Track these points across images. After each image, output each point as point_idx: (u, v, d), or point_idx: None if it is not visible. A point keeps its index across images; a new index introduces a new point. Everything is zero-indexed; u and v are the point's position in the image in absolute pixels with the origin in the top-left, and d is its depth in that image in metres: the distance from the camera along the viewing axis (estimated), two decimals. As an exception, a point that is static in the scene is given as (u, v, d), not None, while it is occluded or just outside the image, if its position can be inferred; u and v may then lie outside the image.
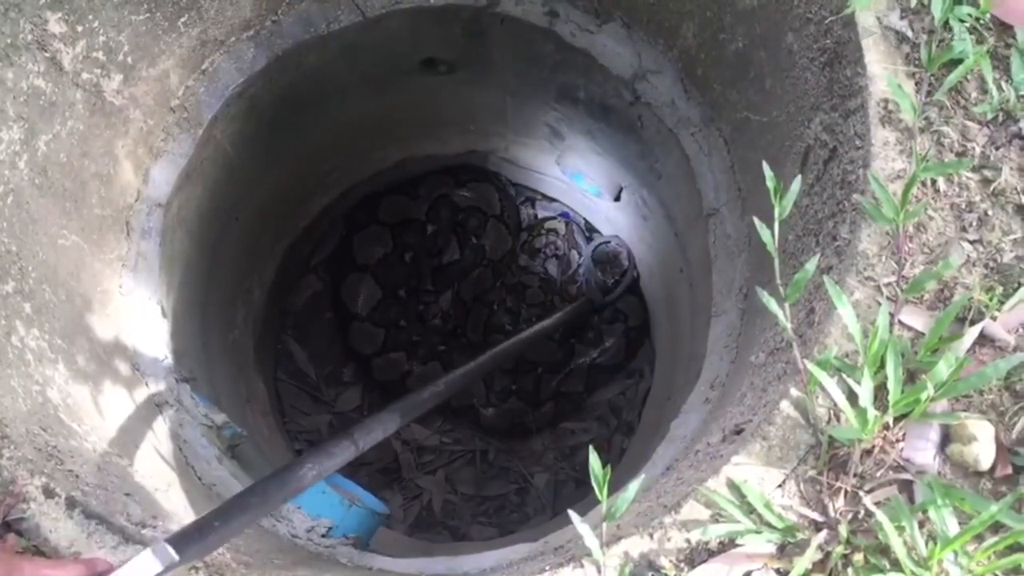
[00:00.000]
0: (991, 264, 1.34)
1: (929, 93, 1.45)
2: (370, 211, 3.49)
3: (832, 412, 1.25)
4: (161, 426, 1.84)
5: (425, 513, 3.31)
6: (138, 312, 1.96)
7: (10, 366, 1.41)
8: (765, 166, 1.32)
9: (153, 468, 1.66)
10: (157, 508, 1.50)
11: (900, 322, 1.29)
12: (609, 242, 3.50)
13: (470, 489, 3.38)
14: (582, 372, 3.48)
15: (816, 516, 1.19)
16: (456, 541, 3.19)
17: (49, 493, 1.24)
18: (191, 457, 1.85)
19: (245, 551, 1.48)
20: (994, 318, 1.29)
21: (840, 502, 1.19)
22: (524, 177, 3.60)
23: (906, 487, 1.20)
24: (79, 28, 1.73)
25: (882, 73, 1.46)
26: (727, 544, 1.18)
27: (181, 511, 1.57)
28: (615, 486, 1.16)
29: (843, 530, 1.15)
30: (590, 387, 3.51)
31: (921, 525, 1.13)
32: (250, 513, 1.35)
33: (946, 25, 1.46)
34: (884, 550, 1.13)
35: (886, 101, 1.44)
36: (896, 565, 1.10)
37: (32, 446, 1.32)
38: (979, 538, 1.09)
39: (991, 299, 1.29)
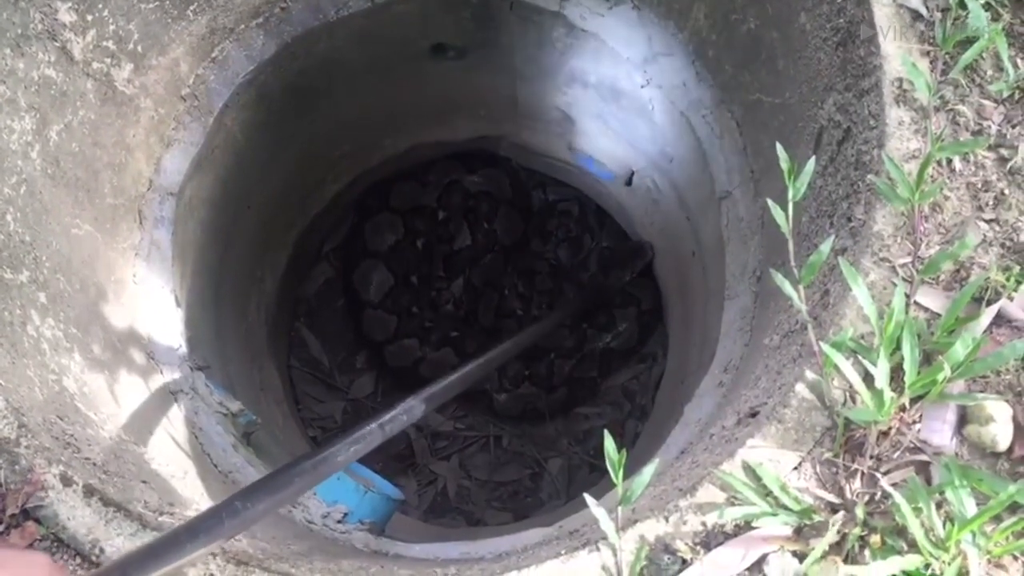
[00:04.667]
0: (1008, 244, 1.32)
1: (944, 72, 1.43)
2: (381, 198, 3.48)
3: (848, 394, 1.24)
4: (176, 414, 1.85)
5: (440, 499, 3.32)
6: (152, 301, 1.97)
7: (26, 355, 1.42)
8: (779, 147, 1.31)
9: (169, 456, 1.67)
10: (174, 495, 1.51)
11: (916, 303, 1.29)
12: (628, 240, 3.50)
13: (484, 474, 3.39)
14: (595, 357, 3.47)
15: (833, 498, 1.19)
16: (471, 526, 3.20)
17: (67, 481, 1.25)
18: (207, 444, 1.86)
19: (261, 537, 1.49)
20: (1011, 298, 1.27)
21: (857, 484, 1.18)
22: (535, 162, 3.58)
23: (923, 468, 1.19)
24: (89, 17, 1.73)
25: (896, 52, 1.44)
26: (743, 527, 1.18)
27: (198, 498, 1.58)
28: (629, 470, 1.16)
29: (860, 512, 1.14)
30: (604, 372, 3.50)
31: (939, 506, 1.12)
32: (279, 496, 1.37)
33: (961, 2, 1.45)
34: (901, 532, 1.12)
35: (900, 80, 1.42)
36: (914, 547, 1.09)
37: (49, 435, 1.32)
38: (997, 519, 1.08)
39: (1008, 279, 1.28)
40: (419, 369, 3.40)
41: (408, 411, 1.81)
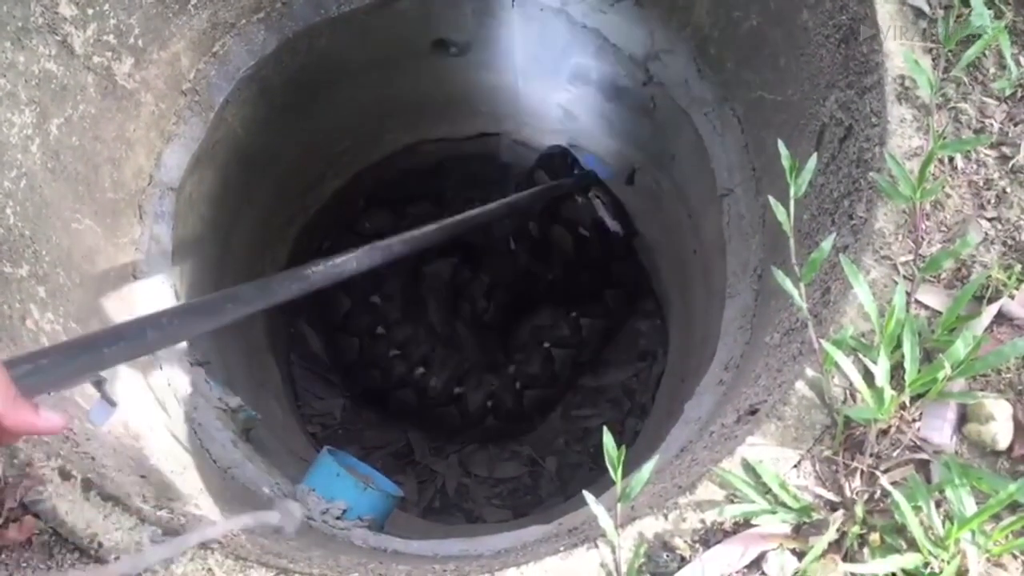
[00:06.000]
0: (1009, 242, 1.32)
1: (946, 69, 1.43)
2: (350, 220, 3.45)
3: (848, 392, 1.24)
4: (176, 409, 1.85)
5: (439, 496, 3.31)
6: (152, 296, 1.97)
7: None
8: (780, 144, 1.31)
9: (168, 451, 1.67)
10: (173, 490, 1.51)
11: (917, 301, 1.28)
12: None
13: (483, 472, 3.39)
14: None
15: (832, 496, 1.19)
16: (470, 523, 3.20)
17: (65, 475, 1.25)
18: (206, 440, 1.86)
19: (260, 532, 1.48)
20: (1012, 296, 1.27)
21: (856, 482, 1.18)
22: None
23: (923, 467, 1.19)
24: (90, 11, 1.72)
25: (898, 49, 1.44)
26: (742, 524, 1.18)
27: (197, 493, 1.57)
28: (629, 468, 1.16)
29: (859, 510, 1.14)
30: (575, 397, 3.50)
31: (938, 505, 1.12)
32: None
33: (964, 0, 1.45)
34: (901, 530, 1.12)
35: (903, 78, 1.42)
36: (913, 545, 1.09)
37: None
38: (996, 517, 1.08)
39: (1009, 277, 1.28)
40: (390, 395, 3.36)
41: (358, 258, 1.83)
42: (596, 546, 1.19)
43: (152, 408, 1.75)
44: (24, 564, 1.19)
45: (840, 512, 1.16)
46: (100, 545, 1.20)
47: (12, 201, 1.52)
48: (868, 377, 1.18)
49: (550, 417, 3.46)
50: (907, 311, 1.20)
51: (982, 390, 1.23)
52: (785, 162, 1.29)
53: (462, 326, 3.52)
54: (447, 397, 3.30)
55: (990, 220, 1.34)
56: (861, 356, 1.22)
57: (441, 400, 3.29)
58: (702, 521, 1.19)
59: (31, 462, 1.24)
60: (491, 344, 3.53)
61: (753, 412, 1.37)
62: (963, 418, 1.22)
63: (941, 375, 1.11)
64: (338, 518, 1.86)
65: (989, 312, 1.26)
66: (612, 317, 3.48)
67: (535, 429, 3.45)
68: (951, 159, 1.38)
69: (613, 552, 1.18)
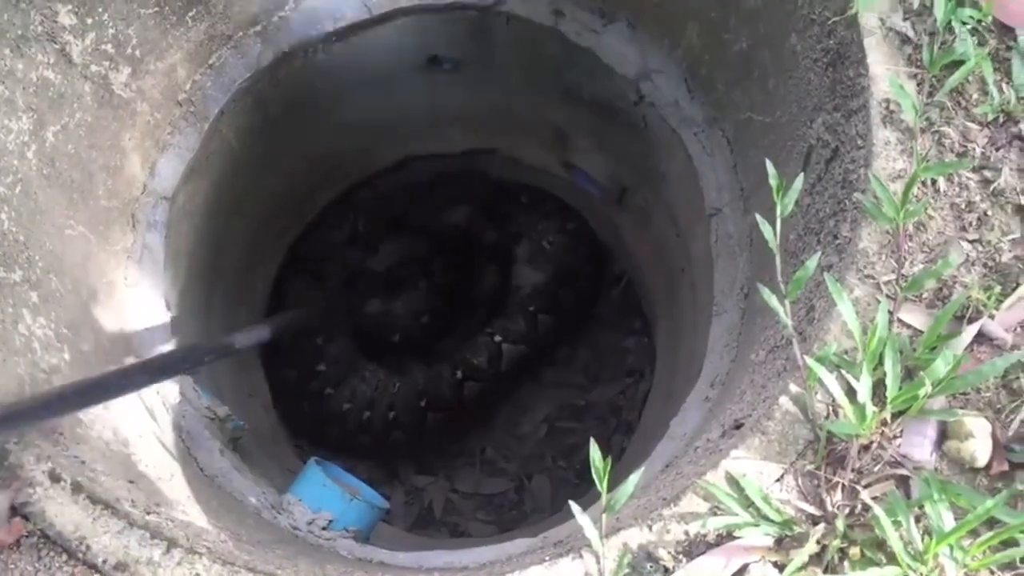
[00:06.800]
0: (990, 263, 1.35)
1: (930, 94, 1.46)
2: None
3: (831, 408, 1.26)
4: (164, 417, 1.85)
5: (425, 513, 3.31)
6: (143, 304, 1.97)
7: (17, 353, 1.43)
8: (768, 164, 1.33)
9: (156, 458, 1.67)
10: (160, 496, 1.51)
11: (899, 320, 1.30)
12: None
13: (469, 487, 3.38)
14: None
15: (813, 510, 1.20)
16: (456, 537, 3.20)
17: (55, 478, 1.25)
18: (193, 448, 1.86)
19: (247, 540, 1.49)
20: (992, 317, 1.30)
21: (838, 496, 1.20)
22: (527, 176, 3.60)
23: (903, 482, 1.21)
24: (89, 20, 1.74)
25: (884, 74, 1.47)
26: (725, 537, 1.19)
27: (184, 500, 1.58)
28: (614, 484, 1.17)
29: (840, 524, 1.16)
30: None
31: (917, 520, 1.13)
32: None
33: (948, 27, 1.48)
34: (880, 544, 1.14)
35: (888, 101, 1.45)
36: (892, 559, 1.10)
37: (38, 432, 1.33)
38: (974, 533, 1.09)
39: (989, 298, 1.30)
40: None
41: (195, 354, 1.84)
42: (580, 556, 1.21)
43: (141, 415, 1.75)
44: (12, 566, 1.19)
45: (821, 526, 1.17)
46: (88, 548, 1.21)
47: (7, 206, 1.53)
48: (851, 393, 1.20)
49: (527, 433, 3.46)
50: (889, 329, 1.22)
51: (962, 408, 1.25)
52: (773, 182, 1.31)
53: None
54: (358, 425, 3.22)
55: (971, 242, 1.36)
56: (844, 373, 1.24)
57: (356, 427, 3.22)
58: (686, 533, 1.20)
59: (22, 464, 1.25)
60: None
61: (738, 426, 1.39)
62: (943, 435, 1.24)
63: (922, 392, 1.13)
64: (324, 529, 1.87)
65: (969, 331, 1.28)
66: (565, 317, 3.46)
67: (472, 428, 3.43)
68: (934, 182, 1.41)
69: (597, 562, 1.19)
